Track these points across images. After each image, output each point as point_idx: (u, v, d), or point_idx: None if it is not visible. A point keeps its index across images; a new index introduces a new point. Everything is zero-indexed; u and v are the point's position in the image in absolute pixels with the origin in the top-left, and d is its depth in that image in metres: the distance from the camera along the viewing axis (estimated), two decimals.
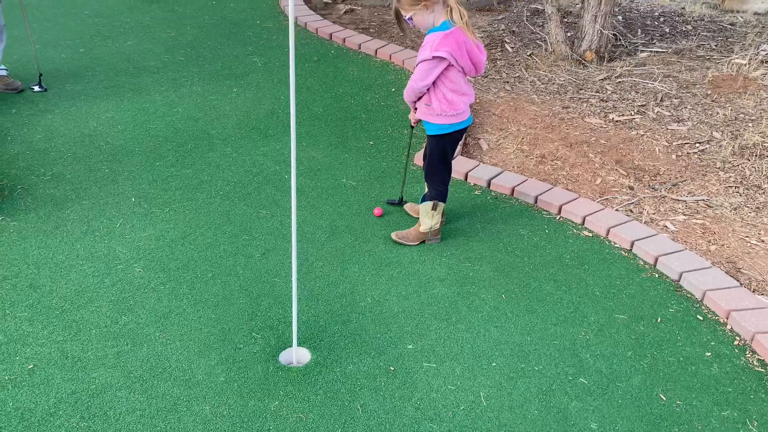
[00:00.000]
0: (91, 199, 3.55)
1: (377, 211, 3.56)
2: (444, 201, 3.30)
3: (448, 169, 3.28)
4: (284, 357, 2.66)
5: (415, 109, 3.17)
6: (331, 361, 2.64)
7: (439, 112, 3.01)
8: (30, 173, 3.73)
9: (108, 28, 5.74)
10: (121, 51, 5.32)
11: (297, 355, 2.65)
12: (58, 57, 5.14)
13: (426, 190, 3.34)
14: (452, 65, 2.88)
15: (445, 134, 3.10)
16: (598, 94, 4.90)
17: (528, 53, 5.52)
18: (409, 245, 3.34)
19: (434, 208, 3.26)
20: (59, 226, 3.34)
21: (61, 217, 3.40)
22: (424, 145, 3.36)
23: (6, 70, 4.59)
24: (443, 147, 3.16)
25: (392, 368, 2.62)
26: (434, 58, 2.83)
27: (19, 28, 5.27)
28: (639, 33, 5.98)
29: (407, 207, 3.63)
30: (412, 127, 3.38)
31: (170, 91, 4.73)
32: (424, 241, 3.37)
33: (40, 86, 4.61)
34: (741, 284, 3.10)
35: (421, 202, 3.31)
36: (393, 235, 3.36)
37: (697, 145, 4.29)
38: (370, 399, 2.49)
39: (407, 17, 2.88)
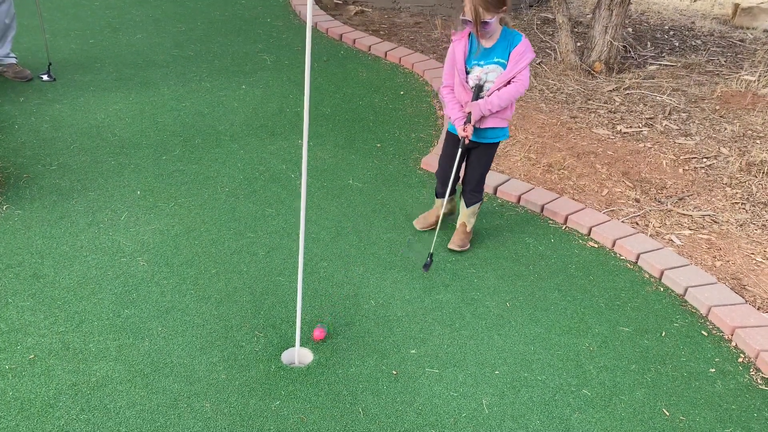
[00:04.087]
0: (96, 191, 3.54)
1: (318, 333, 2.72)
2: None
3: None
4: (286, 357, 2.64)
5: (471, 123, 3.05)
6: (333, 363, 2.63)
7: (510, 116, 3.12)
8: (36, 162, 3.72)
9: (118, 20, 5.72)
10: (131, 44, 5.30)
11: (299, 355, 2.64)
12: (67, 47, 5.12)
13: (462, 198, 3.37)
14: None
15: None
16: (606, 105, 4.89)
17: (537, 62, 5.51)
18: (466, 249, 3.38)
19: (479, 207, 3.41)
20: (64, 216, 3.32)
21: (66, 207, 3.39)
22: (457, 155, 3.17)
23: (15, 58, 4.58)
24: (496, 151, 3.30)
25: (395, 372, 2.61)
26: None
27: (30, 18, 5.26)
28: (648, 46, 5.98)
29: (418, 222, 3.50)
30: (465, 144, 3.13)
31: (179, 86, 4.72)
32: (456, 250, 3.38)
33: (49, 76, 4.59)
34: (746, 301, 3.09)
35: (469, 206, 3.35)
36: (454, 247, 3.34)
37: (705, 159, 4.28)
38: (371, 402, 2.47)
39: (490, 20, 2.84)
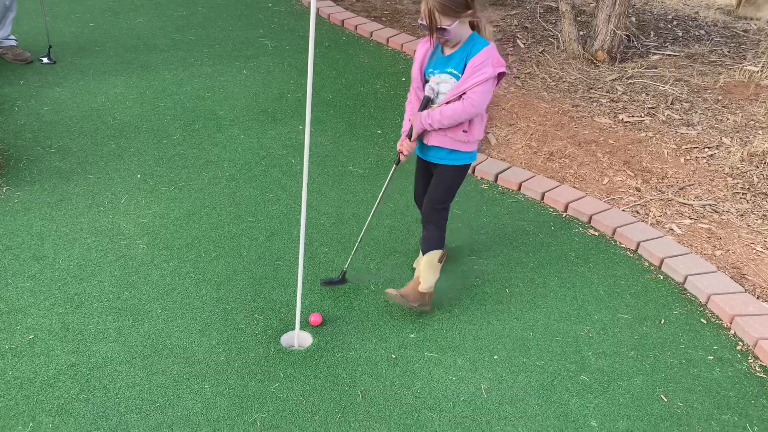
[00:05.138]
0: (96, 174, 3.53)
1: (315, 318, 2.71)
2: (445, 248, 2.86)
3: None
4: (286, 339, 2.64)
5: (412, 139, 2.64)
6: (332, 346, 2.63)
7: (476, 138, 2.62)
8: (36, 145, 3.71)
9: (119, 3, 5.69)
10: (132, 27, 5.28)
11: (299, 338, 2.64)
12: (67, 30, 5.10)
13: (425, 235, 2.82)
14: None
15: (470, 164, 2.75)
16: (608, 94, 4.88)
17: (540, 50, 5.49)
18: (410, 306, 2.74)
19: (442, 258, 2.80)
20: (64, 199, 3.32)
21: (66, 190, 3.38)
22: (419, 181, 2.86)
23: (15, 40, 4.56)
24: (463, 177, 2.76)
25: (394, 356, 2.62)
26: (498, 75, 2.47)
27: (30, 0, 5.23)
28: (652, 35, 5.96)
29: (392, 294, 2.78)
30: (399, 163, 2.75)
31: (179, 70, 4.70)
32: (416, 309, 2.76)
33: (49, 58, 4.58)
34: (746, 290, 3.09)
35: (425, 252, 2.77)
36: (394, 292, 2.72)
37: (706, 149, 4.27)
38: (370, 385, 2.48)
39: (449, 26, 2.40)
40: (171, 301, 2.76)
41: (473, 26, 2.52)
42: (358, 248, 2.97)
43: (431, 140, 2.64)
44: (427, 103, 2.59)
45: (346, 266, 2.93)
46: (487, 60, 2.43)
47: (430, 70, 2.59)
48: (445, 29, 2.40)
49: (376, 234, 3.31)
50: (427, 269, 2.76)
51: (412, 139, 2.66)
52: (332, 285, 2.92)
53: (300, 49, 5.23)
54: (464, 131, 2.58)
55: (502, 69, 2.47)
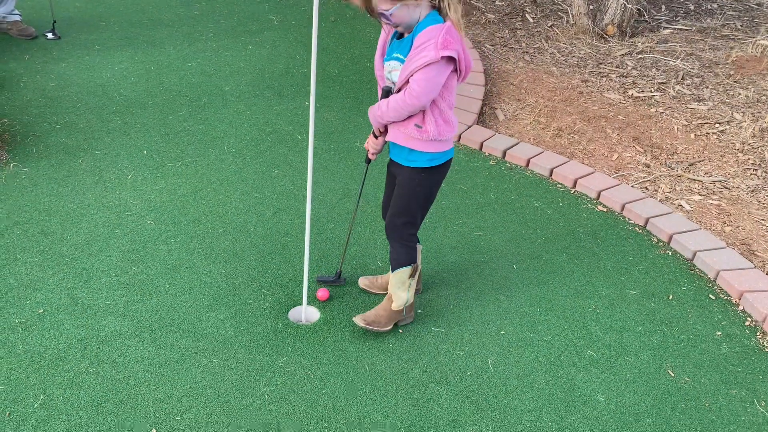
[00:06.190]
0: (103, 150, 3.53)
1: (322, 293, 2.71)
2: (417, 261, 2.55)
3: (424, 216, 2.48)
4: (293, 314, 2.65)
5: (381, 132, 2.35)
6: (340, 321, 2.64)
7: (435, 136, 2.21)
8: (42, 121, 3.70)
9: None
10: (136, 2, 5.23)
11: (306, 313, 2.65)
12: (72, 5, 5.05)
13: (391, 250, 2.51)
14: (454, 70, 2.15)
15: (437, 166, 2.32)
16: (618, 69, 4.81)
17: (549, 24, 5.41)
18: (382, 331, 2.55)
19: (413, 274, 2.50)
20: (71, 174, 3.31)
21: (73, 166, 3.38)
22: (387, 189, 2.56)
23: (20, 15, 4.53)
24: (431, 185, 2.36)
25: (401, 330, 2.62)
26: (442, 59, 2.06)
27: None
28: (663, 9, 5.86)
29: (364, 283, 2.78)
30: (369, 161, 2.52)
31: (185, 45, 4.66)
32: (397, 324, 2.60)
33: (54, 34, 4.54)
34: (755, 266, 3.07)
35: (393, 270, 2.50)
36: (359, 322, 2.51)
37: (717, 125, 4.22)
38: (377, 359, 2.49)
39: (387, 11, 2.09)
40: (179, 277, 2.77)
41: (439, 7, 2.14)
42: (348, 247, 2.84)
43: (389, 135, 2.32)
44: (387, 95, 2.25)
45: (340, 266, 2.81)
46: (429, 41, 2.05)
47: (386, 58, 2.29)
48: (384, 14, 2.09)
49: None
50: (397, 288, 2.51)
51: (374, 135, 2.38)
52: (328, 284, 2.78)
53: (305, 23, 5.17)
54: (417, 126, 2.21)
55: (449, 52, 2.04)
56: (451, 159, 2.36)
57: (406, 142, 2.25)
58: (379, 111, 2.24)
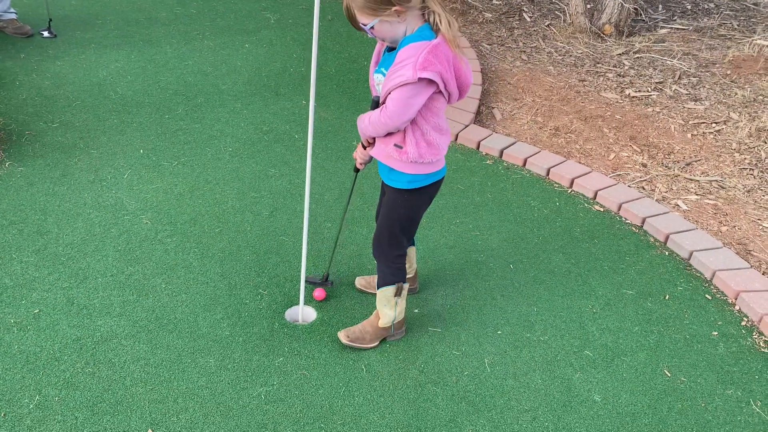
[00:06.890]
0: (99, 149, 3.51)
1: (319, 293, 2.72)
2: (405, 280, 2.46)
3: (410, 237, 2.43)
4: (290, 314, 2.65)
5: (369, 143, 2.26)
6: (336, 321, 2.63)
7: (415, 158, 2.12)
8: (38, 119, 3.69)
9: None
10: (133, 1, 5.21)
11: (303, 313, 2.65)
12: (68, 3, 5.04)
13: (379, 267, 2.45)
14: (439, 92, 2.02)
15: (419, 188, 2.22)
16: (615, 68, 4.81)
17: (546, 23, 5.41)
18: (366, 348, 2.51)
19: (398, 293, 2.44)
20: (66, 174, 3.30)
21: (69, 165, 3.37)
22: (380, 201, 2.48)
23: (15, 13, 4.51)
24: (413, 208, 2.28)
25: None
26: (420, 80, 1.94)
27: None
28: (660, 8, 5.86)
29: (361, 283, 2.78)
30: (357, 171, 2.45)
31: (181, 44, 4.65)
32: (385, 339, 2.56)
33: (50, 32, 4.53)
34: (751, 266, 3.07)
35: (379, 287, 2.46)
36: (342, 338, 2.49)
37: (714, 125, 4.23)
38: (374, 360, 2.48)
39: (365, 26, 1.99)
40: (175, 276, 2.77)
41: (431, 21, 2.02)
42: (335, 253, 2.82)
43: (373, 150, 2.23)
44: (375, 106, 2.15)
45: (327, 270, 2.79)
46: (408, 59, 1.93)
47: (375, 70, 2.20)
48: (363, 28, 2.01)
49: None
50: (383, 305, 2.47)
51: (362, 145, 2.30)
52: (316, 285, 2.75)
53: (302, 22, 5.16)
54: (396, 146, 2.11)
55: (428, 74, 1.91)
56: (438, 181, 2.25)
57: (387, 161, 2.18)
58: (362, 124, 2.17)
